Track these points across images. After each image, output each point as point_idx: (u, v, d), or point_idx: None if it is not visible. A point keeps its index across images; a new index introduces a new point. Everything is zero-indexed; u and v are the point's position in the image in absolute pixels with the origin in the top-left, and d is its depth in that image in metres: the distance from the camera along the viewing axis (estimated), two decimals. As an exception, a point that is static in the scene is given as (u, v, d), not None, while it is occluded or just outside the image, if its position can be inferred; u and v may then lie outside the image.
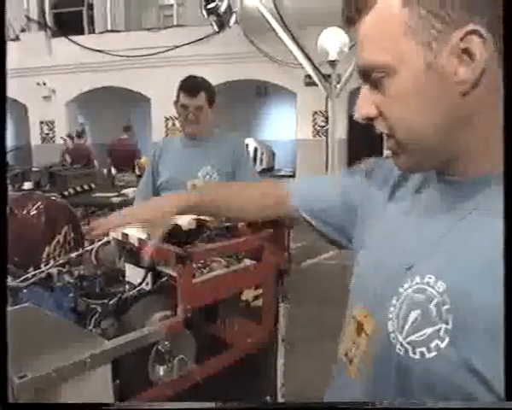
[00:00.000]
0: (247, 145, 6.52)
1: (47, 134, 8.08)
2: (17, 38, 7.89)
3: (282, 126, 9.11)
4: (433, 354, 0.47)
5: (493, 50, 0.45)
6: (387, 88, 0.50)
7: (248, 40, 6.89)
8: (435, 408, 0.49)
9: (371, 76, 0.51)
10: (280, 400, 1.36)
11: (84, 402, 0.72)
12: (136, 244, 1.02)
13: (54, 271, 1.05)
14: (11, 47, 7.84)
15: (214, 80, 7.90)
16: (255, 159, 6.89)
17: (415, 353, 0.48)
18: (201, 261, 1.02)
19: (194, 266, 0.98)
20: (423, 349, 0.47)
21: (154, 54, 7.22)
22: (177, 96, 1.70)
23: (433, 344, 0.47)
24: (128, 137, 6.22)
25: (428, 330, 0.47)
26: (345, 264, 3.20)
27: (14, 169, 4.59)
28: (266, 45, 6.73)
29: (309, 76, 5.98)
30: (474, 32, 0.44)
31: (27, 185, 3.97)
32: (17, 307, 0.70)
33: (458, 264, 0.47)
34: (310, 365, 2.46)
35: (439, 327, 0.46)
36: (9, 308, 0.69)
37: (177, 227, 1.09)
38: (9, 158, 7.07)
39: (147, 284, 1.06)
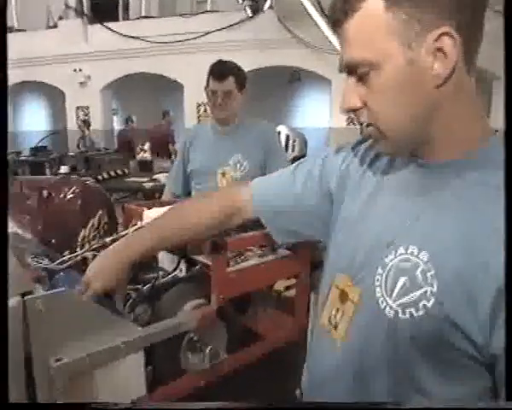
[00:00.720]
0: (278, 132, 6.43)
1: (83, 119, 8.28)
2: (55, 26, 8.08)
3: (316, 114, 8.95)
4: (421, 312, 0.54)
5: (461, 50, 0.52)
6: (372, 82, 0.56)
7: (283, 25, 6.76)
8: (436, 408, 0.54)
9: (357, 71, 0.57)
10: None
11: (86, 402, 0.71)
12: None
13: (89, 255, 1.05)
14: (49, 34, 8.05)
15: (246, 66, 7.80)
16: (287, 146, 6.77)
17: (404, 313, 0.55)
18: (236, 251, 1.00)
19: (229, 255, 0.96)
20: (412, 310, 0.55)
21: (186, 40, 7.21)
22: (207, 82, 1.67)
23: (420, 304, 0.54)
24: (165, 122, 6.28)
25: (416, 293, 0.55)
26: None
27: (52, 153, 4.72)
28: (301, 31, 6.58)
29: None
30: (446, 33, 0.51)
31: (64, 169, 4.08)
32: (53, 291, 0.70)
33: (437, 236, 0.55)
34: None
35: (425, 290, 0.54)
36: (45, 292, 0.69)
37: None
38: (47, 142, 7.30)
39: (180, 270, 1.05)
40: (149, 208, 1.15)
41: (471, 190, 0.54)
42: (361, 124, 0.61)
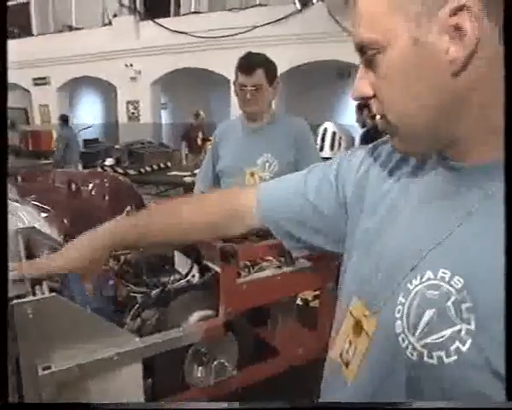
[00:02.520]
0: (325, 129, 6.27)
1: (132, 113, 8.55)
2: (110, 23, 8.39)
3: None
4: (454, 358, 0.42)
5: (489, 25, 0.41)
6: (379, 67, 0.48)
7: (333, 19, 6.56)
8: (436, 408, 0.44)
9: (366, 54, 0.48)
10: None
11: (87, 402, 0.66)
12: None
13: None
14: (104, 32, 8.39)
15: (294, 61, 7.73)
16: (333, 144, 6.60)
17: (431, 357, 0.44)
18: (251, 260, 0.92)
19: (242, 264, 0.89)
20: (441, 353, 0.43)
21: (234, 34, 7.21)
22: (236, 76, 1.59)
23: (453, 347, 0.42)
24: (196, 123, 6.41)
25: (447, 332, 0.43)
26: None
27: (98, 146, 4.89)
28: (351, 24, 6.36)
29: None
30: (464, 7, 0.41)
31: (109, 161, 4.21)
32: (41, 296, 0.66)
33: (475, 257, 0.43)
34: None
35: (459, 328, 0.42)
36: (33, 298, 0.65)
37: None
38: (99, 134, 7.62)
39: (193, 276, 0.99)
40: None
41: None
42: (374, 116, 0.52)
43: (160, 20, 7.90)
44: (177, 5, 8.44)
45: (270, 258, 0.95)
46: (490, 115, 0.44)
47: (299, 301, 1.20)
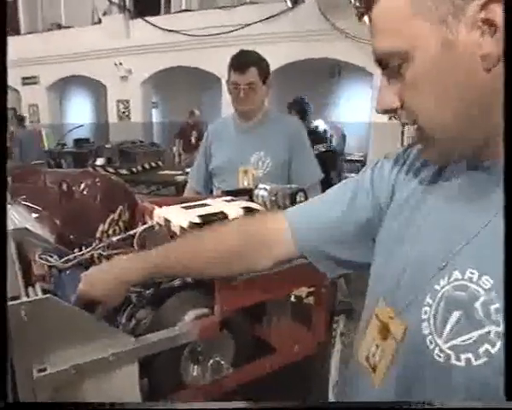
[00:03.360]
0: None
1: (123, 112, 8.50)
2: (99, 22, 8.31)
3: (356, 108, 8.68)
4: (483, 360, 0.42)
5: None
6: (405, 75, 0.47)
7: (324, 16, 6.56)
8: (436, 408, 0.43)
9: (389, 65, 0.48)
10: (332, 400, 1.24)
11: (86, 401, 0.66)
12: (178, 232, 0.95)
13: (95, 254, 1.01)
14: (94, 30, 8.31)
15: (285, 59, 7.69)
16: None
17: (459, 359, 0.44)
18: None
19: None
20: (469, 355, 0.43)
21: (225, 32, 7.18)
22: (228, 74, 1.58)
23: (481, 349, 0.42)
24: (191, 121, 6.39)
25: (475, 334, 0.43)
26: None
27: (89, 146, 4.85)
28: (343, 22, 6.36)
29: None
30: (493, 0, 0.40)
31: (100, 161, 4.17)
32: (36, 297, 0.66)
33: (502, 258, 0.41)
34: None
35: (488, 330, 0.42)
36: (26, 299, 0.65)
37: (222, 216, 0.99)
38: (89, 134, 7.55)
39: (187, 274, 0.98)
40: (160, 206, 1.09)
41: None
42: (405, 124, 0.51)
43: (151, 19, 7.85)
44: (168, 3, 8.38)
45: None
46: None
47: (292, 299, 1.20)
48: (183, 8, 7.99)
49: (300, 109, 3.40)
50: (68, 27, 8.70)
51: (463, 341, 0.44)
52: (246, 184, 1.56)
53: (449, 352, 0.45)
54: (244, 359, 0.90)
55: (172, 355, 0.81)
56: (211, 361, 0.84)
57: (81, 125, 7.70)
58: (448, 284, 0.47)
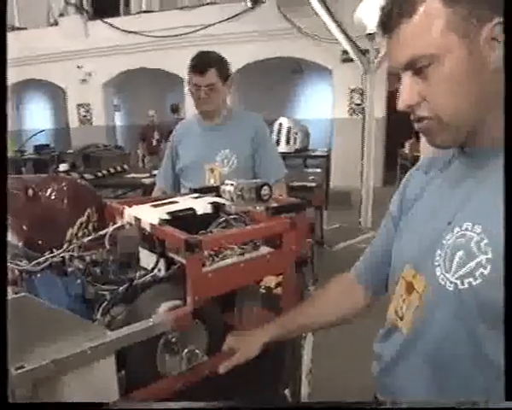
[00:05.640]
0: (280, 124, 6.36)
1: (84, 116, 8.28)
2: (56, 23, 8.06)
3: (318, 105, 8.85)
4: (479, 280, 0.58)
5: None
6: (433, 75, 0.61)
7: (283, 16, 6.67)
8: (435, 408, 0.56)
9: (416, 66, 0.61)
10: (305, 389, 1.30)
11: (84, 401, 0.68)
12: (148, 229, 0.98)
13: (66, 255, 1.02)
14: (50, 32, 8.04)
15: (248, 59, 7.74)
16: (289, 138, 6.71)
17: (463, 283, 0.60)
18: (214, 249, 0.96)
19: (206, 253, 0.93)
20: (470, 279, 0.59)
21: (187, 33, 7.16)
22: (189, 76, 1.61)
23: (478, 273, 0.58)
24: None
25: (472, 263, 0.59)
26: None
27: (55, 151, 4.70)
28: (302, 21, 6.49)
29: (346, 52, 5.66)
30: (499, 23, 0.57)
31: (63, 167, 4.07)
32: (14, 296, 0.67)
33: (487, 212, 0.60)
34: (339, 350, 2.39)
35: (480, 259, 0.58)
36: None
37: (191, 212, 1.03)
38: (50, 140, 7.30)
39: (159, 270, 1.02)
40: (130, 206, 1.11)
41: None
42: (414, 119, 0.65)
43: (111, 20, 7.69)
44: (126, 4, 8.24)
45: (234, 246, 0.99)
46: (497, 109, 0.59)
47: (262, 290, 1.25)
48: (144, 9, 7.89)
49: None
50: (22, 29, 8.37)
51: (465, 270, 0.60)
52: (212, 181, 1.60)
53: (456, 281, 0.61)
54: (218, 347, 0.95)
55: (148, 347, 0.84)
56: (185, 351, 0.88)
57: (42, 131, 7.45)
58: (451, 238, 0.64)
